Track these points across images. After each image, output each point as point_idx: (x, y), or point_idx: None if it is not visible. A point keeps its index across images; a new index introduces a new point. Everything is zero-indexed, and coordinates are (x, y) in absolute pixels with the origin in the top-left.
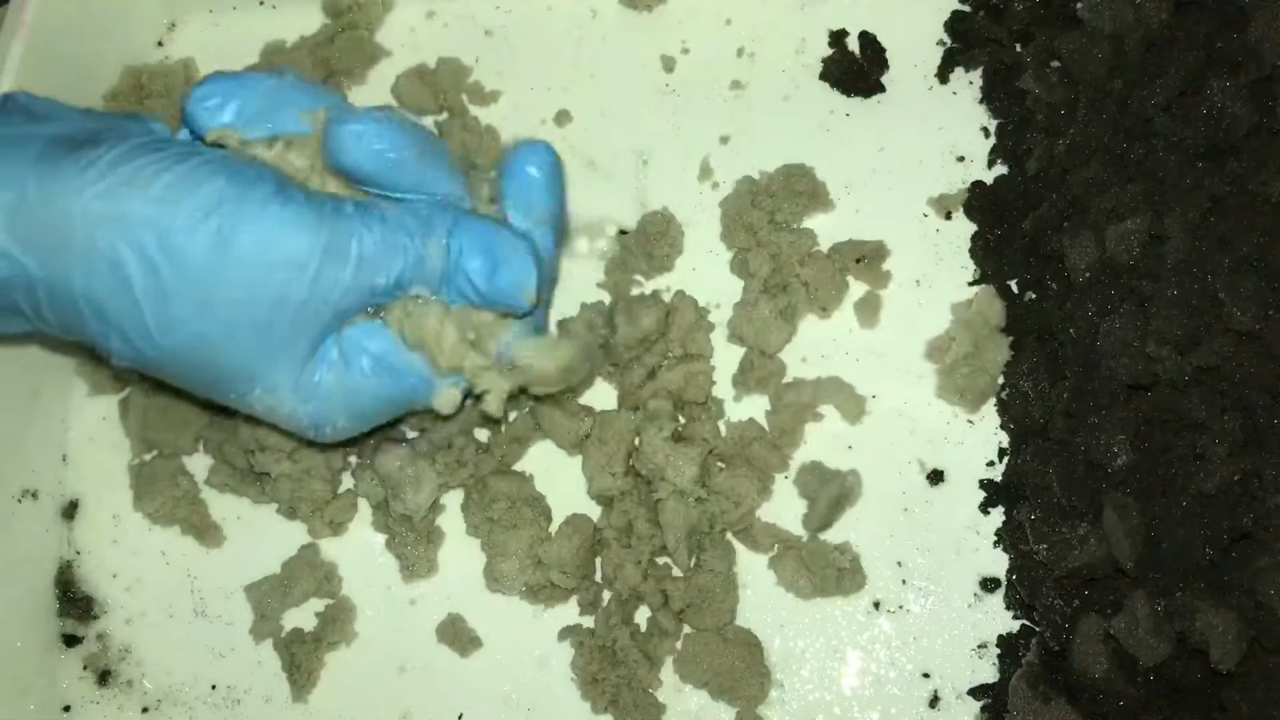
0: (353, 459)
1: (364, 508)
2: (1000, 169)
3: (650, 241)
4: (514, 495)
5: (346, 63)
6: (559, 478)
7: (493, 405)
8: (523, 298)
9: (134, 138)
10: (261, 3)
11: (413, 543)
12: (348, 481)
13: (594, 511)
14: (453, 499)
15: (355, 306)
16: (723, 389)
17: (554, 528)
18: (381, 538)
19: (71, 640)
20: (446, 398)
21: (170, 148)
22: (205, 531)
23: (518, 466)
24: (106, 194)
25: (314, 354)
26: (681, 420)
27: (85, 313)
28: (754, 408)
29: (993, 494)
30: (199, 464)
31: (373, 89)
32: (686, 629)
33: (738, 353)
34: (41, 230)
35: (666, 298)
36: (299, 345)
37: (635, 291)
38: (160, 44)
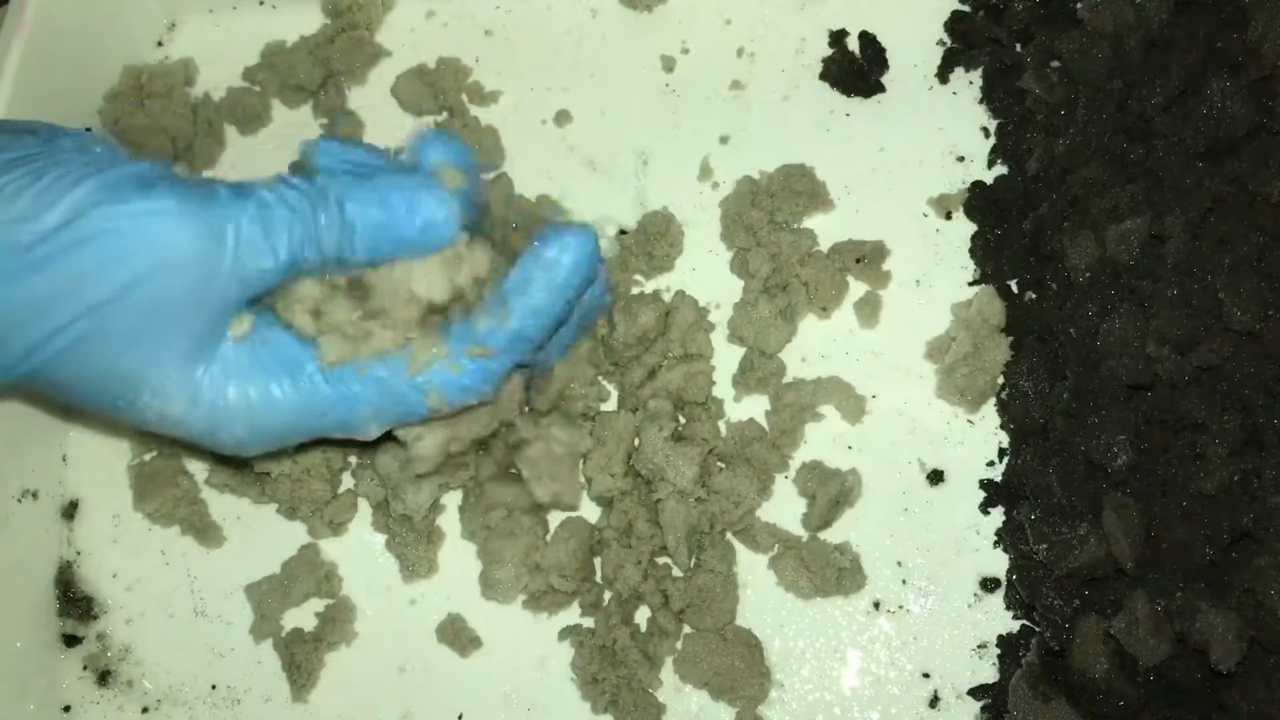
0: (353, 459)
1: (364, 508)
2: (1000, 169)
3: (650, 241)
4: (511, 504)
5: (346, 63)
6: None
7: (426, 450)
8: (436, 226)
9: (15, 151)
10: (261, 3)
11: (412, 543)
12: (348, 481)
13: (592, 511)
14: (453, 499)
15: (243, 294)
16: (723, 389)
17: (550, 533)
18: (381, 538)
19: (71, 640)
20: (427, 438)
21: (39, 160)
22: (205, 531)
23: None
24: None
25: (202, 353)
26: (681, 420)
27: None
28: (754, 408)
29: (993, 494)
30: (199, 464)
31: (373, 89)
32: (686, 629)
33: (738, 353)
34: None
35: (666, 298)
36: (182, 342)
37: (635, 291)
38: (160, 44)
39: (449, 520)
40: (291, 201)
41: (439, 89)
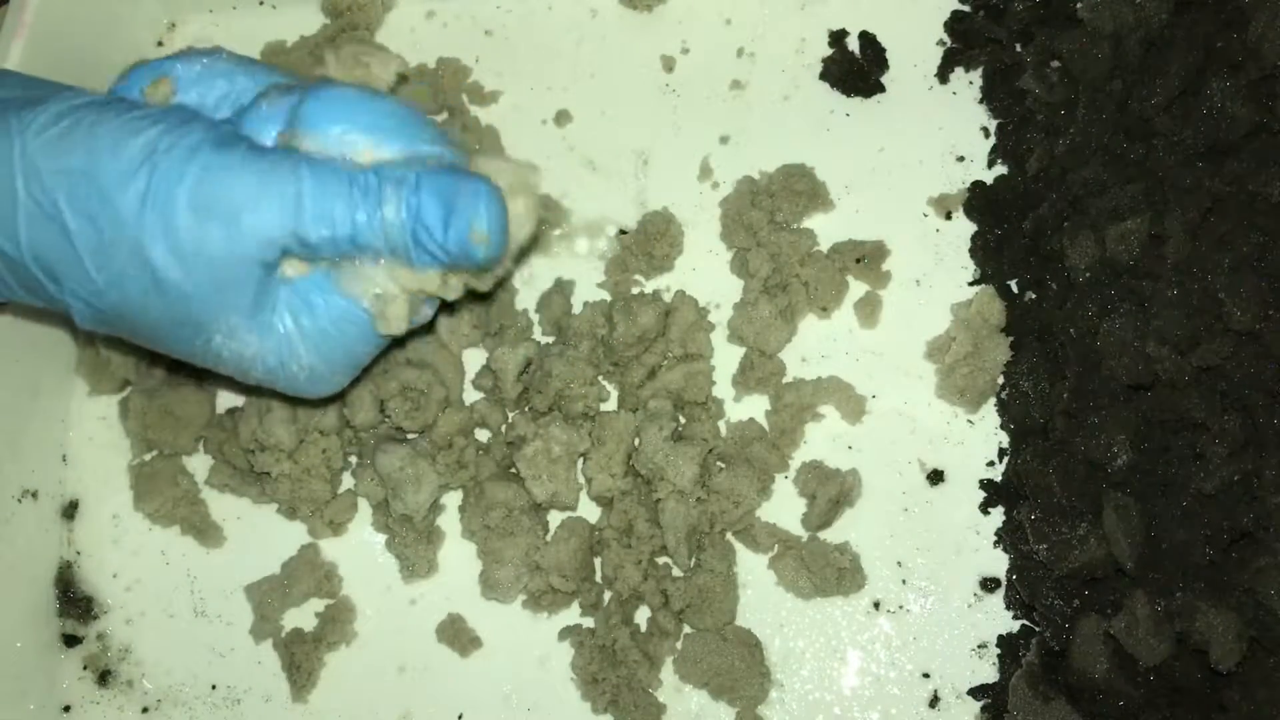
0: (353, 459)
1: (364, 508)
2: (1000, 169)
3: (650, 241)
4: (511, 504)
5: None
6: None
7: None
8: (473, 241)
9: (76, 98)
10: (261, 3)
11: (412, 542)
12: (348, 481)
13: (592, 511)
14: (453, 499)
15: (300, 250)
16: (723, 389)
17: (550, 533)
18: (381, 538)
19: (71, 640)
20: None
21: (111, 104)
22: (205, 531)
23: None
24: (45, 149)
25: (267, 292)
26: (681, 420)
27: (36, 271)
28: (754, 408)
29: (993, 494)
30: (199, 464)
31: None
32: (686, 629)
33: (738, 353)
34: None
35: (666, 298)
36: (247, 287)
37: (635, 291)
38: (160, 44)
39: (449, 520)
40: (362, 182)
41: (439, 89)
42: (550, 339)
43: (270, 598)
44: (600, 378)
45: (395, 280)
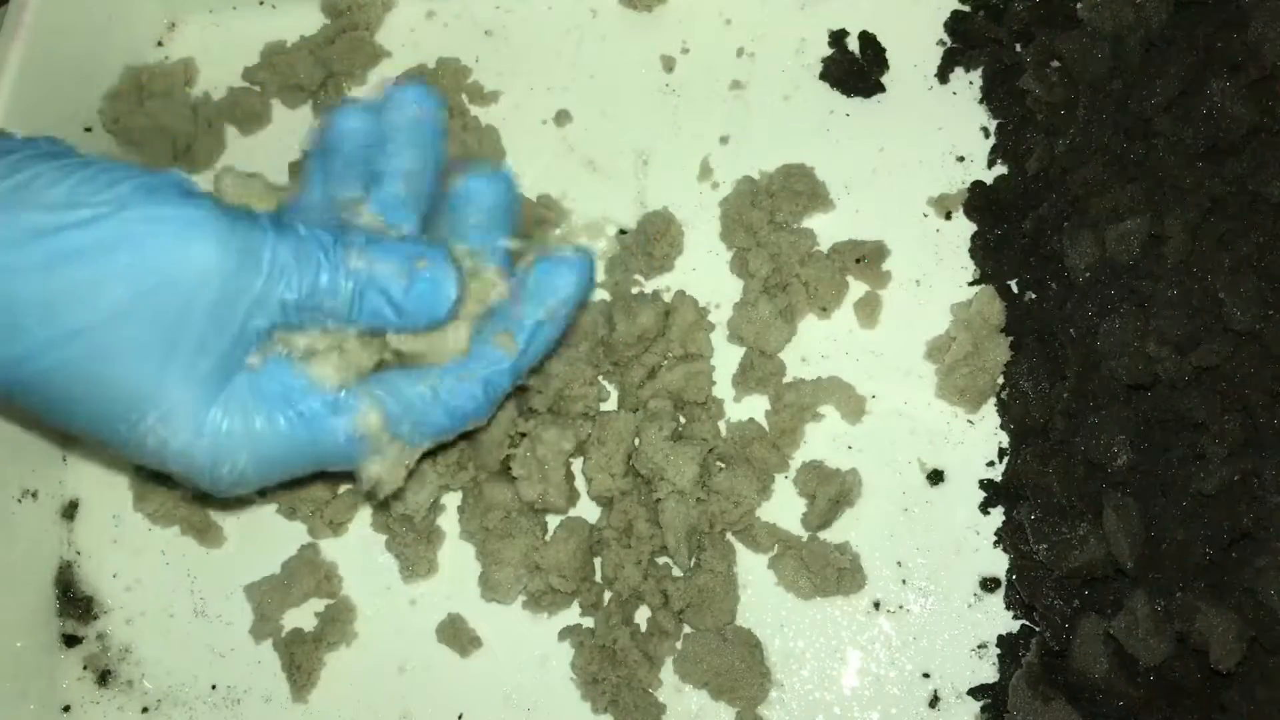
0: None
1: (364, 508)
2: (1000, 169)
3: (650, 241)
4: (509, 505)
5: (346, 64)
6: None
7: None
8: (441, 303)
9: (38, 149)
10: (261, 3)
11: (412, 542)
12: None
13: (591, 511)
14: (452, 499)
15: (262, 325)
16: (723, 389)
17: (549, 533)
18: (382, 537)
19: (71, 640)
20: (378, 469)
21: (73, 156)
22: (205, 531)
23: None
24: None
25: (218, 381)
26: (681, 420)
27: None
28: (754, 408)
29: (993, 494)
30: None
31: (372, 90)
32: (686, 629)
33: (738, 353)
34: None
35: (666, 297)
36: (201, 365)
37: (635, 291)
38: (160, 44)
39: (449, 520)
40: (324, 241)
41: (439, 89)
42: None
43: (270, 598)
44: (600, 378)
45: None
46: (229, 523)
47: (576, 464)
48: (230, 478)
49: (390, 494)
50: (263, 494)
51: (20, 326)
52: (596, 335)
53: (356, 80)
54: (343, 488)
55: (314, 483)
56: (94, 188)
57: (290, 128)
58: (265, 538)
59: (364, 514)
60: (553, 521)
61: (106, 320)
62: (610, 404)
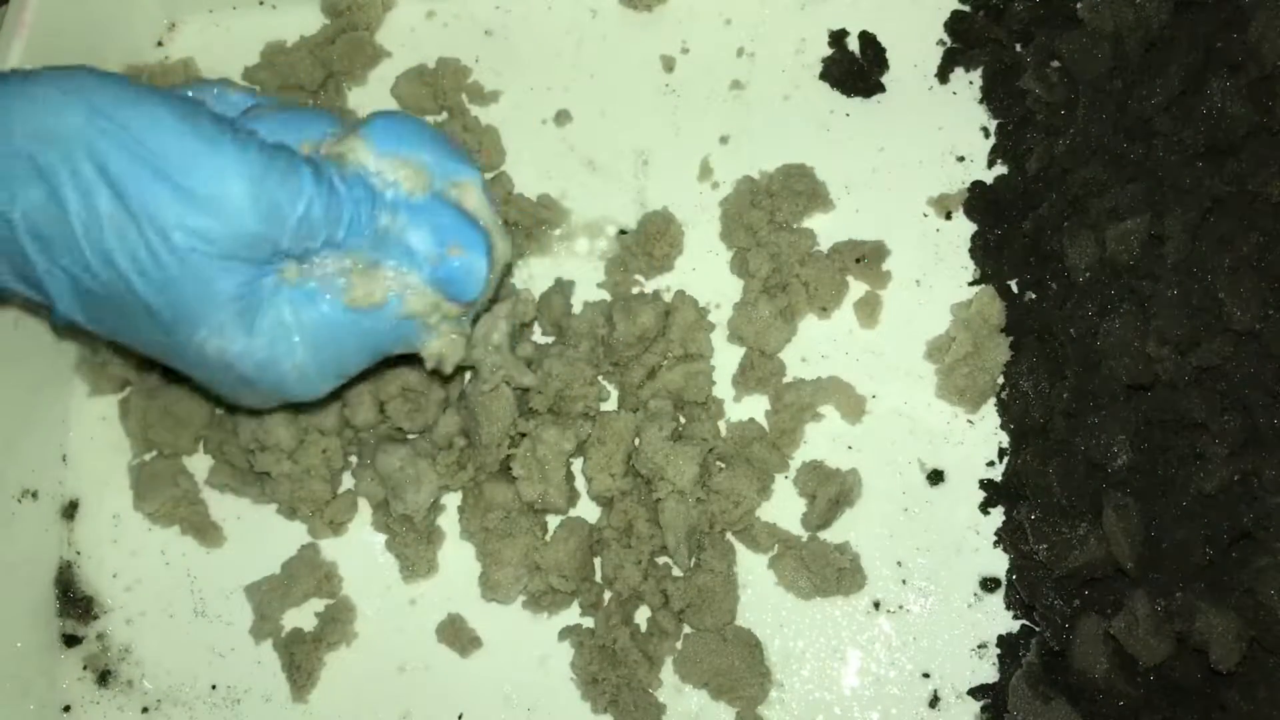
0: (353, 459)
1: (364, 508)
2: (1000, 169)
3: (650, 241)
4: (509, 505)
5: (347, 63)
6: None
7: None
8: (471, 284)
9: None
10: (261, 3)
11: (413, 542)
12: (347, 481)
13: (591, 511)
14: (452, 499)
15: (295, 250)
16: (722, 389)
17: (549, 533)
18: (382, 538)
19: (71, 640)
20: (436, 343)
21: (123, 78)
22: (205, 531)
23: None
24: (45, 107)
25: (256, 290)
26: (682, 420)
27: (26, 240)
28: (754, 408)
29: (993, 494)
30: (199, 464)
31: (373, 89)
32: (686, 629)
33: (738, 353)
34: None
35: (666, 297)
36: (236, 279)
37: (635, 291)
38: (160, 44)
39: (449, 520)
40: (360, 196)
41: (439, 89)
42: (550, 339)
43: (270, 598)
44: (600, 377)
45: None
46: (229, 523)
47: (576, 464)
48: (295, 374)
49: (455, 367)
50: (336, 396)
51: (91, 237)
52: (596, 335)
53: (357, 80)
54: (343, 488)
55: (389, 368)
56: (137, 108)
57: None
58: (265, 538)
59: (364, 514)
60: (552, 521)
61: (148, 243)
62: (610, 404)
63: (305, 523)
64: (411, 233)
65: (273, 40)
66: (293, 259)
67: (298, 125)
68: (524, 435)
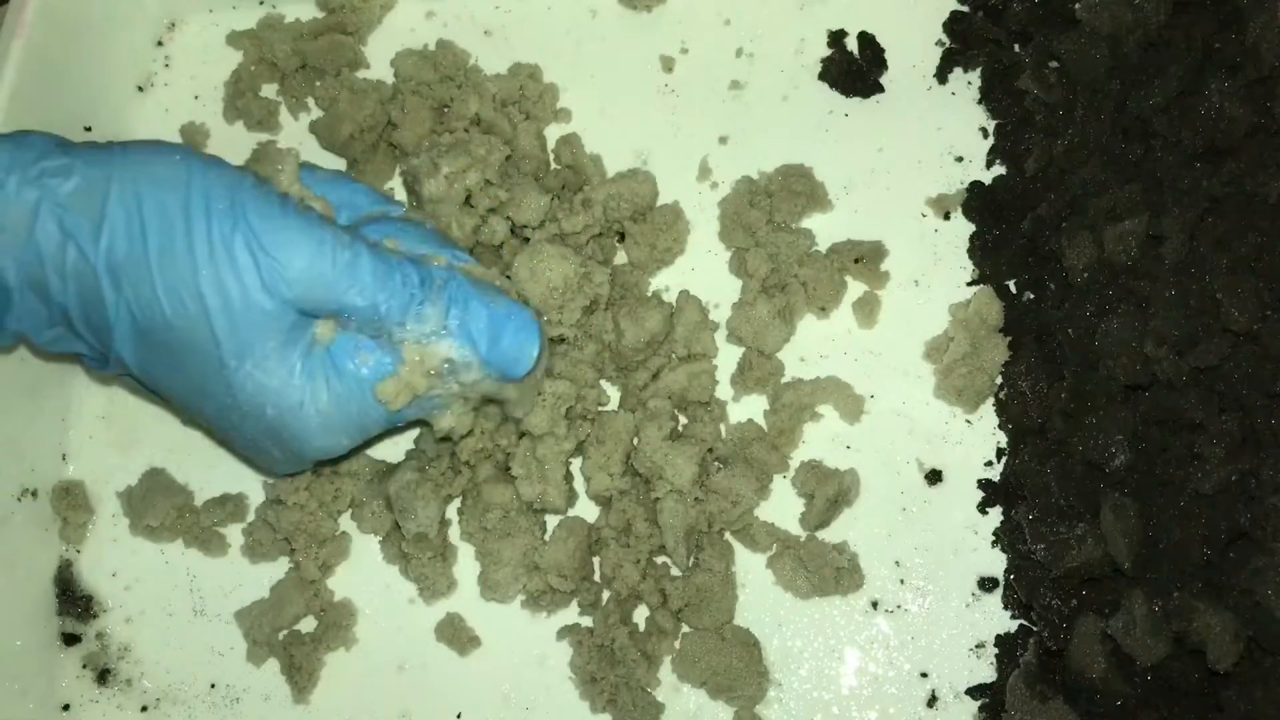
0: (349, 496)
1: (356, 548)
2: (999, 169)
3: (656, 232)
4: (508, 505)
5: (322, 61)
6: None
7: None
8: (522, 364)
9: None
10: (261, 2)
11: (429, 561)
12: (343, 523)
13: (590, 511)
14: (450, 506)
15: (340, 317)
16: (722, 389)
17: (548, 533)
18: (381, 539)
19: (71, 639)
20: (449, 418)
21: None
22: (209, 542)
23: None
24: (136, 156)
25: (297, 338)
26: (683, 420)
27: (103, 278)
28: (754, 408)
29: (991, 494)
30: (194, 476)
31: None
32: (685, 628)
33: (737, 353)
34: (82, 189)
35: (666, 298)
36: (283, 325)
37: (633, 280)
38: (160, 44)
39: (452, 530)
40: (409, 274)
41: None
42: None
43: (260, 622)
44: (603, 380)
45: (423, 374)
46: (229, 527)
47: (575, 464)
48: (317, 420)
49: (460, 438)
50: (354, 454)
51: (153, 275)
52: (603, 340)
53: (327, 79)
54: (339, 529)
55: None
56: (218, 165)
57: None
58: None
59: (356, 523)
60: (551, 521)
61: (210, 280)
62: (611, 406)
63: (297, 555)
64: (466, 313)
65: (271, 14)
66: (340, 317)
67: (365, 199)
68: (524, 435)
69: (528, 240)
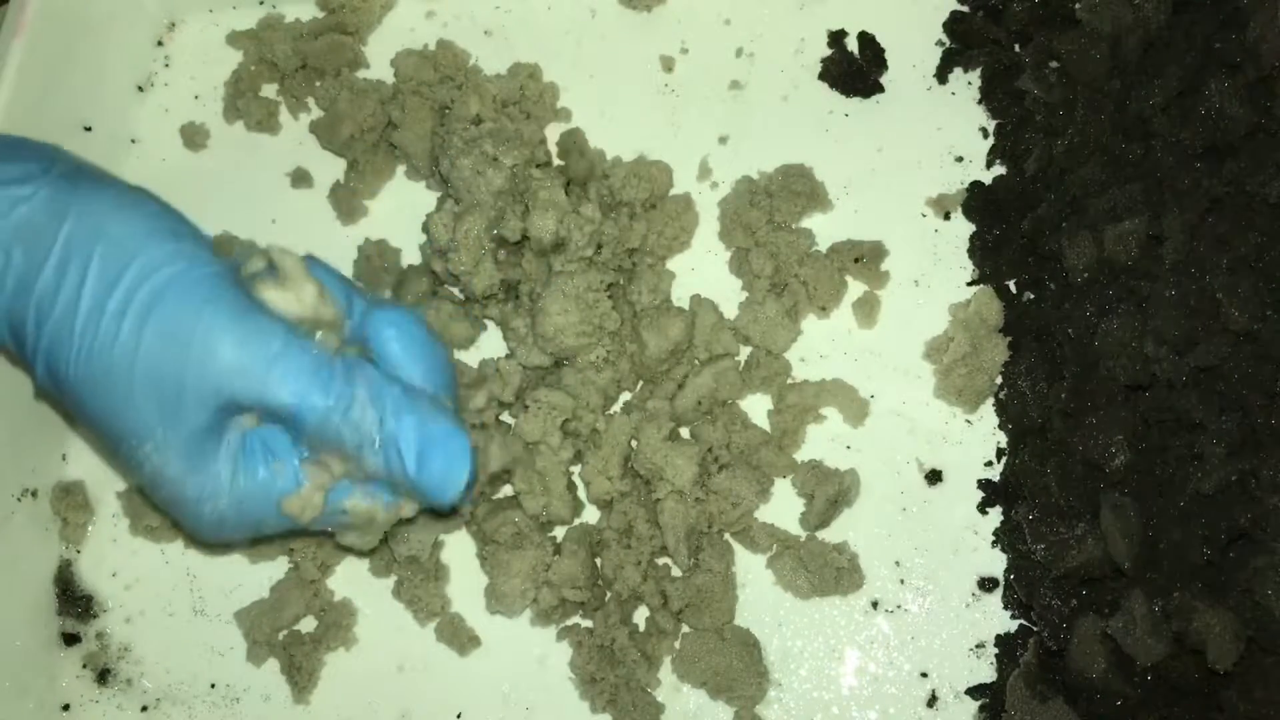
0: None
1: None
2: (999, 169)
3: (665, 219)
4: (519, 522)
5: (322, 62)
6: None
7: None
8: (449, 490)
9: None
10: (261, 2)
11: (421, 583)
12: None
13: (591, 512)
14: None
15: (256, 408)
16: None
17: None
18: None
19: (71, 639)
20: (353, 536)
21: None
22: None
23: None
24: (99, 206)
25: (212, 430)
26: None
27: (29, 314)
28: (753, 408)
29: (991, 494)
30: None
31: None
32: (685, 629)
33: (743, 352)
34: (40, 224)
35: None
36: (198, 416)
37: (633, 266)
38: (160, 44)
39: (448, 554)
40: (339, 391)
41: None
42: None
43: (260, 623)
44: (626, 391)
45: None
46: None
47: (575, 468)
48: (212, 516)
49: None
50: (253, 545)
51: (75, 332)
52: (627, 349)
53: (327, 79)
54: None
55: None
56: (171, 229)
57: (290, 131)
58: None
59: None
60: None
61: (134, 358)
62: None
63: (296, 555)
64: (399, 428)
65: (271, 14)
66: (254, 414)
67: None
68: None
69: (543, 251)
